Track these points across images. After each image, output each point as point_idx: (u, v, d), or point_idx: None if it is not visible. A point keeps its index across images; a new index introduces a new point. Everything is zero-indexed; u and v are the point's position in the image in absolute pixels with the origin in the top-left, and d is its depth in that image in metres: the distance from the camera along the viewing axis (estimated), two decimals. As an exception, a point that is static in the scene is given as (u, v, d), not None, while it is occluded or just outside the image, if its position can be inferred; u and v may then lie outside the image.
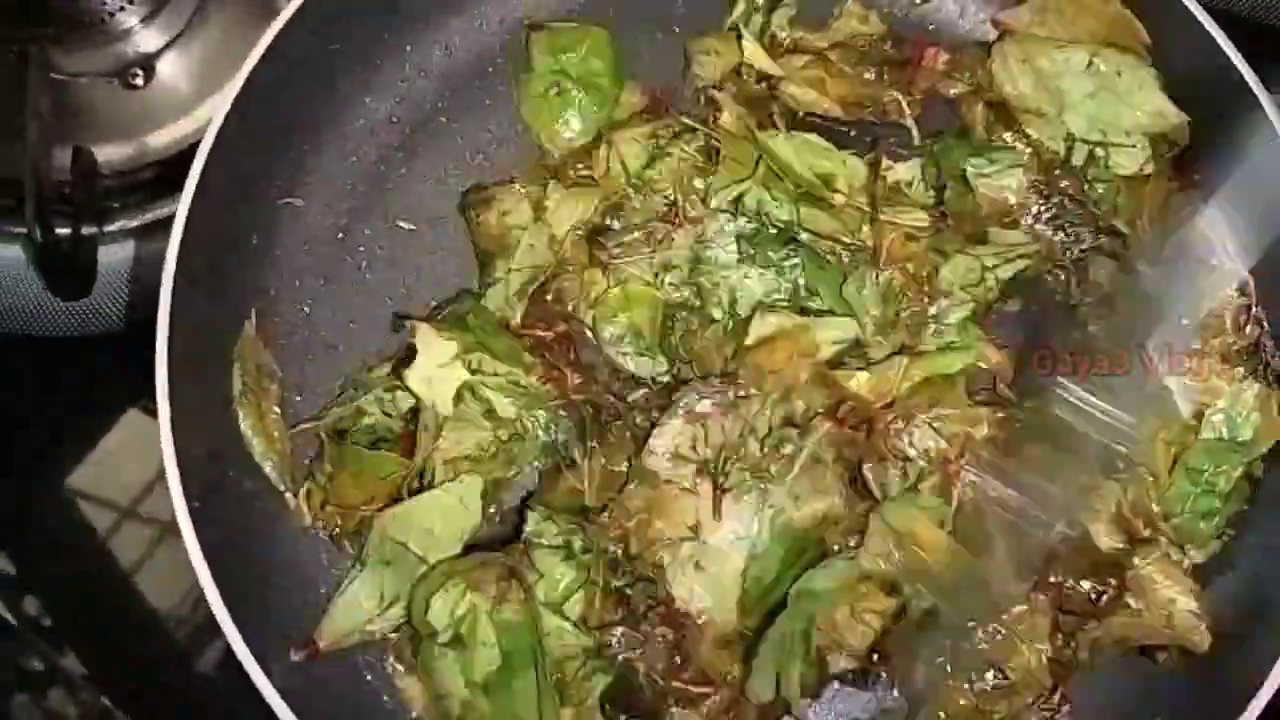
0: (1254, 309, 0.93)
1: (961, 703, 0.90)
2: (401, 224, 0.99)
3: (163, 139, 1.13)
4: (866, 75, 1.00)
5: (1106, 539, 0.89)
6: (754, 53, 0.99)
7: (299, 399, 0.96)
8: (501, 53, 1.02)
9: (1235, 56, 0.90)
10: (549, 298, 0.95)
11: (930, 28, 1.05)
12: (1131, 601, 0.90)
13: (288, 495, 0.92)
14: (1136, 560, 0.90)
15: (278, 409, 0.94)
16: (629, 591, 0.88)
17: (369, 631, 0.88)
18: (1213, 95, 0.93)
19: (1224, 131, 0.93)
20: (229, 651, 0.79)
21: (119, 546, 1.06)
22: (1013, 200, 0.96)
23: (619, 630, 0.87)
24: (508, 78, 1.01)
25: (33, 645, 1.03)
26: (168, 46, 1.13)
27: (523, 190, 0.97)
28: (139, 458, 1.07)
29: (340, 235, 0.99)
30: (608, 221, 0.96)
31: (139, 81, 1.14)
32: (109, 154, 1.12)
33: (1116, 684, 0.91)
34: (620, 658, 0.87)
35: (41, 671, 1.02)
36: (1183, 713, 0.87)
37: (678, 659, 0.87)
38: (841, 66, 1.00)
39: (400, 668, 0.89)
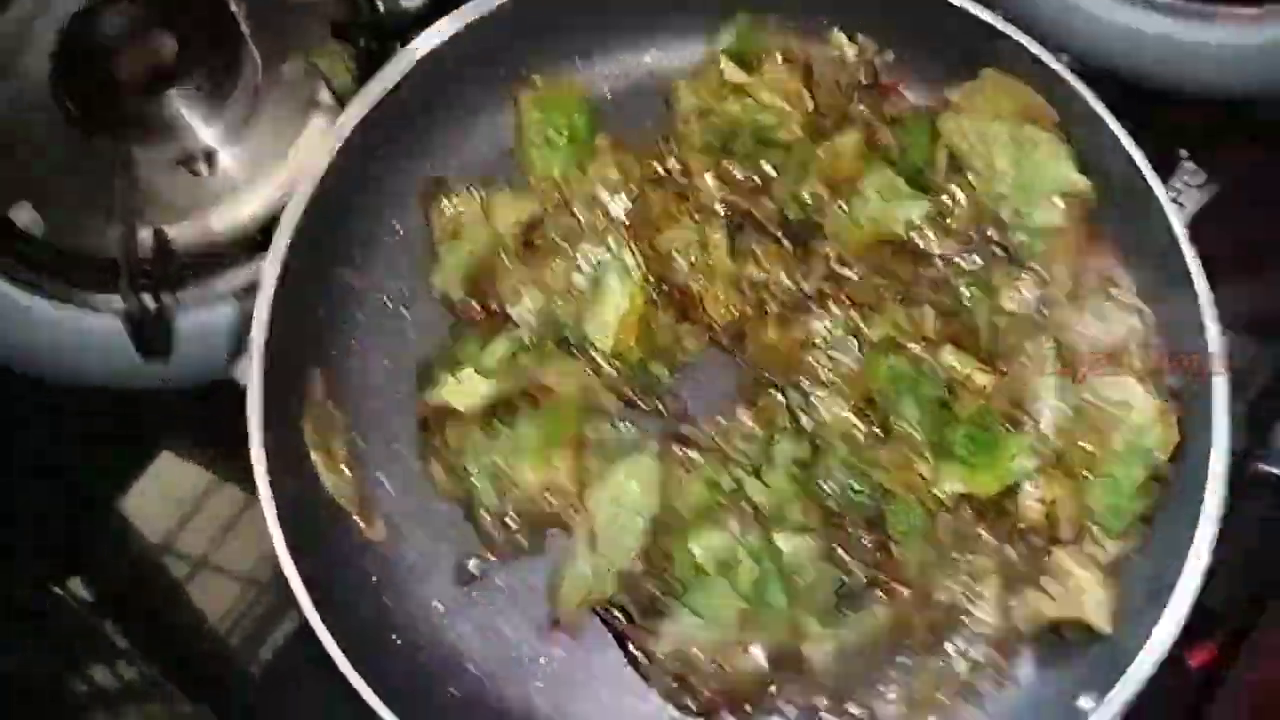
0: (1151, 339, 1.13)
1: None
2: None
3: (225, 219, 1.31)
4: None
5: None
6: (730, 70, 1.18)
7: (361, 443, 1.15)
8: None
9: (1128, 143, 1.09)
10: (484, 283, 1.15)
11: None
12: (1049, 587, 1.10)
13: (356, 518, 1.11)
14: (1058, 552, 1.10)
15: (344, 449, 1.13)
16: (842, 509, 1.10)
17: (595, 599, 1.10)
18: (1112, 169, 1.12)
19: (1122, 193, 1.13)
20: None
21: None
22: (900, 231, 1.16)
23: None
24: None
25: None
26: (226, 140, 1.31)
27: (473, 189, 1.17)
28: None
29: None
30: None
31: (202, 169, 1.32)
32: (180, 232, 1.30)
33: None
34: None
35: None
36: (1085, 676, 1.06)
37: (879, 556, 1.09)
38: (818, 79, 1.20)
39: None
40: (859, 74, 1.22)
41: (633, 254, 1.14)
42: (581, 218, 1.17)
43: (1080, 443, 1.12)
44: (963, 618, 1.11)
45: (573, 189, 1.18)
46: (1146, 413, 1.10)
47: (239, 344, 1.05)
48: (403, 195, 1.19)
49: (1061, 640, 1.10)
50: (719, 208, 1.17)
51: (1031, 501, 1.10)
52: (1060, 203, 1.16)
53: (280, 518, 1.00)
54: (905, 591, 1.09)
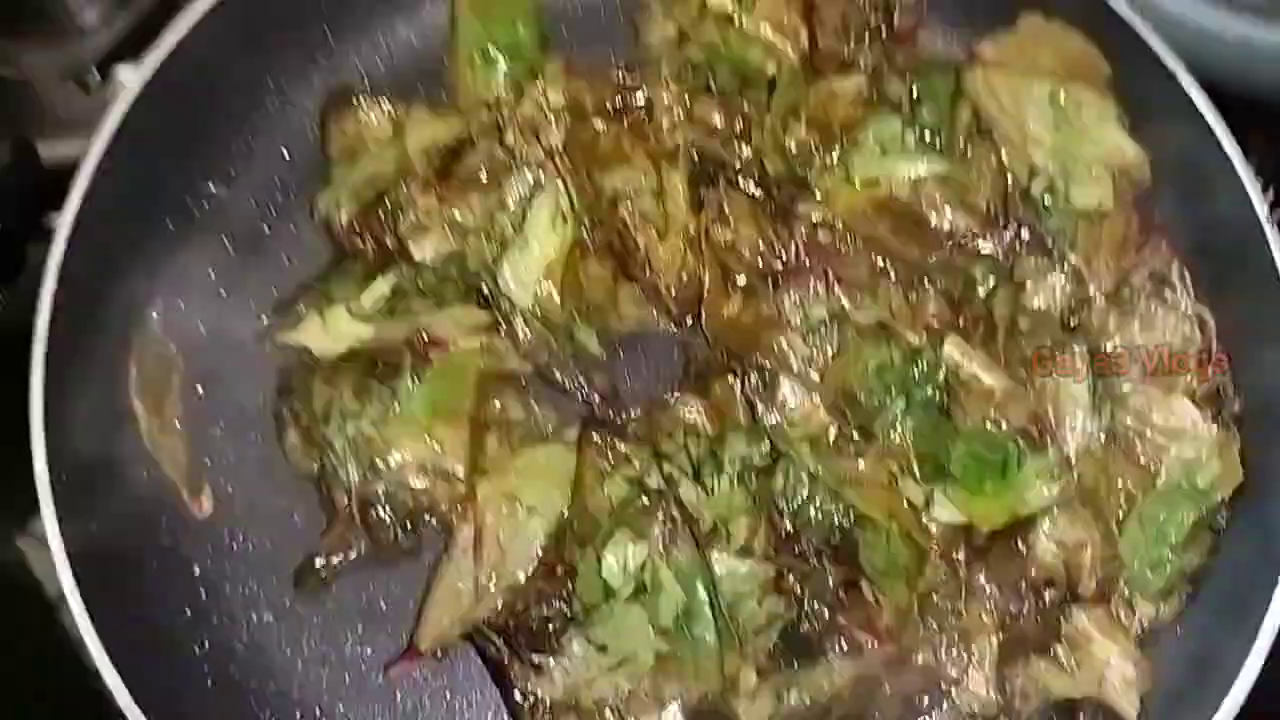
0: (1214, 351, 0.88)
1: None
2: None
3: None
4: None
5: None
6: None
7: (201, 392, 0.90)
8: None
9: (1208, 110, 0.87)
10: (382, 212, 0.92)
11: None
12: (1063, 656, 0.84)
13: (184, 491, 0.87)
14: (1077, 613, 0.84)
15: (178, 402, 0.89)
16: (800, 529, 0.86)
17: (470, 620, 0.84)
18: (1180, 142, 0.89)
19: (1189, 177, 0.90)
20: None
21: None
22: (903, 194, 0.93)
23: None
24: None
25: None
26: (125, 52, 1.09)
27: (387, 105, 0.95)
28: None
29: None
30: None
31: (93, 82, 1.10)
32: (54, 151, 1.08)
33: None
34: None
35: None
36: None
37: (844, 596, 0.84)
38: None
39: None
40: (870, 12, 0.99)
41: (569, 192, 0.90)
42: (515, 148, 0.93)
43: (1115, 476, 0.87)
44: (948, 687, 0.84)
45: (507, 114, 0.95)
46: (1202, 443, 0.86)
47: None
48: (294, 103, 0.96)
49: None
50: (684, 151, 0.94)
51: (1048, 543, 0.85)
52: (1107, 179, 0.93)
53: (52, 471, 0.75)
54: (875, 645, 0.83)
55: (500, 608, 0.86)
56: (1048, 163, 0.94)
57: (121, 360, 0.87)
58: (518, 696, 0.85)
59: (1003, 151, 0.95)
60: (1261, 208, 0.85)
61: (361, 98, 0.96)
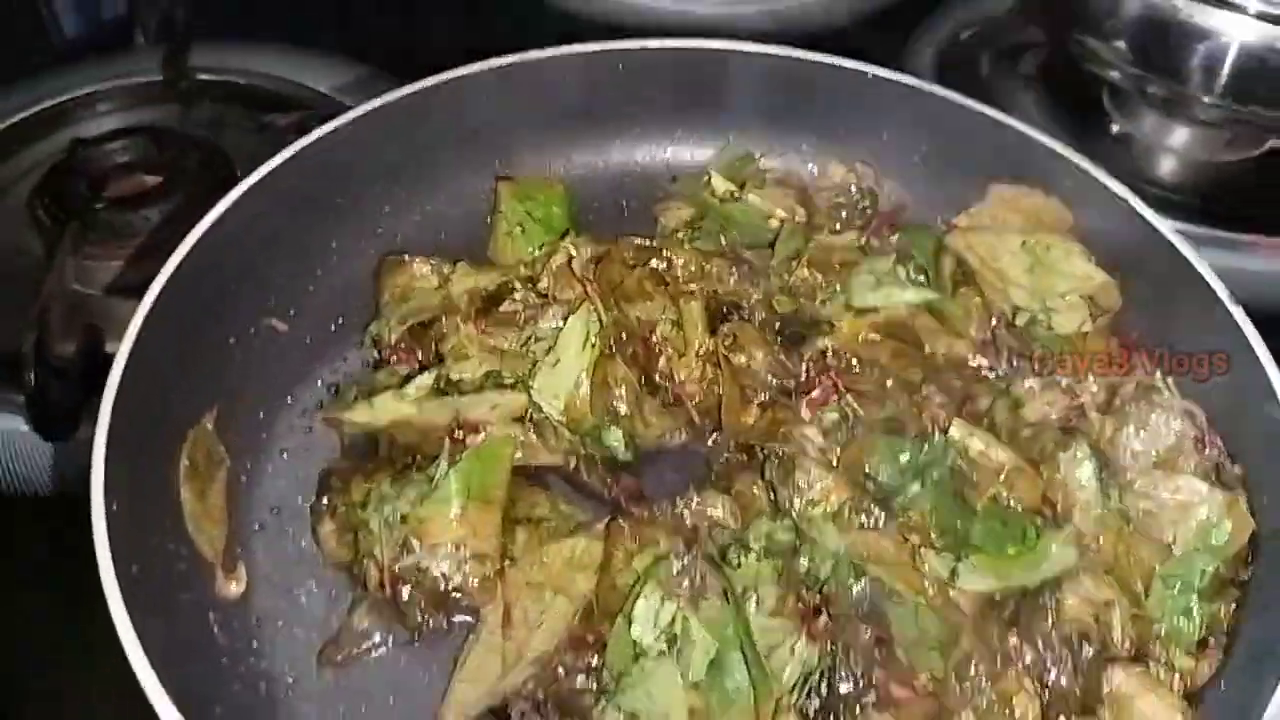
0: (1207, 435, 0.94)
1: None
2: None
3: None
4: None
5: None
6: (720, 182, 1.11)
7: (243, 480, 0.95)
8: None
9: (1158, 221, 0.99)
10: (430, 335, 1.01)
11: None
12: (1108, 717, 0.82)
13: (219, 572, 0.88)
14: (1116, 672, 0.83)
15: (222, 492, 0.92)
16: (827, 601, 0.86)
17: (497, 693, 0.83)
18: (1142, 262, 1.01)
19: (1154, 290, 1.00)
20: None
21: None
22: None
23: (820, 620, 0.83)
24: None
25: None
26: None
27: (433, 263, 1.05)
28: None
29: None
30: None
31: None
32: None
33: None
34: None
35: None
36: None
37: (878, 654, 0.82)
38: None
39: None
40: (859, 197, 1.15)
41: (598, 315, 1.00)
42: (549, 290, 1.04)
43: (1133, 549, 0.89)
44: (993, 752, 0.81)
45: (541, 266, 1.06)
46: (1214, 508, 0.89)
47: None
48: (352, 262, 1.08)
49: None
50: (700, 292, 1.05)
51: (1076, 601, 0.85)
52: (1082, 305, 1.03)
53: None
54: (913, 698, 0.81)
55: (527, 683, 0.85)
56: (1028, 301, 1.05)
57: (174, 453, 0.91)
58: (545, 765, 0.81)
59: (985, 293, 1.06)
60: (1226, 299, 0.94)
61: (411, 257, 1.08)
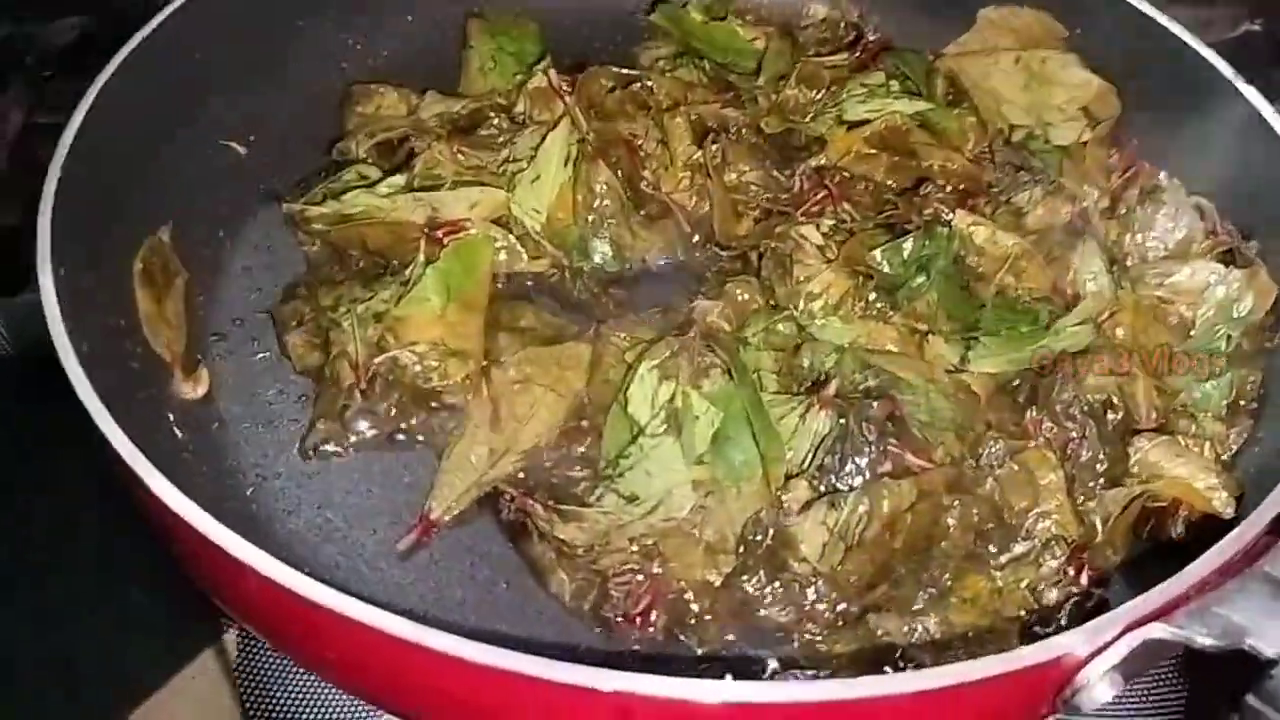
0: (1218, 225, 0.90)
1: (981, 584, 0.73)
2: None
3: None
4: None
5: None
6: (698, 9, 1.07)
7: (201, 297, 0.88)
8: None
9: (1158, 15, 0.95)
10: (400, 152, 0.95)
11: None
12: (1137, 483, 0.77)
13: (176, 372, 0.81)
14: (1143, 443, 0.78)
15: (179, 301, 0.86)
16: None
17: (485, 484, 0.78)
18: (1142, 61, 0.97)
19: (1157, 95, 0.97)
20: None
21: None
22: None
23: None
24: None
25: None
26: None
27: (402, 91, 1.00)
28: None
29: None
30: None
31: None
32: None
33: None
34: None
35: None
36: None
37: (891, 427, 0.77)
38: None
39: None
40: (844, 36, 1.10)
41: (579, 128, 0.94)
42: (526, 113, 0.99)
43: (1151, 331, 0.85)
44: (1021, 519, 0.76)
45: (515, 96, 1.01)
46: (1233, 283, 0.85)
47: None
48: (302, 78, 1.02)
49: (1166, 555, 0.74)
50: (685, 109, 1.00)
51: (1095, 374, 0.80)
52: (1081, 116, 0.99)
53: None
54: (932, 468, 0.76)
55: (517, 473, 0.79)
56: (1023, 117, 1.01)
57: (127, 257, 0.84)
58: (536, 547, 0.75)
59: (980, 112, 1.02)
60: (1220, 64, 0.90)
61: (378, 85, 1.02)
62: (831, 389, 0.77)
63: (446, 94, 1.02)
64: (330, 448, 0.81)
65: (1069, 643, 0.57)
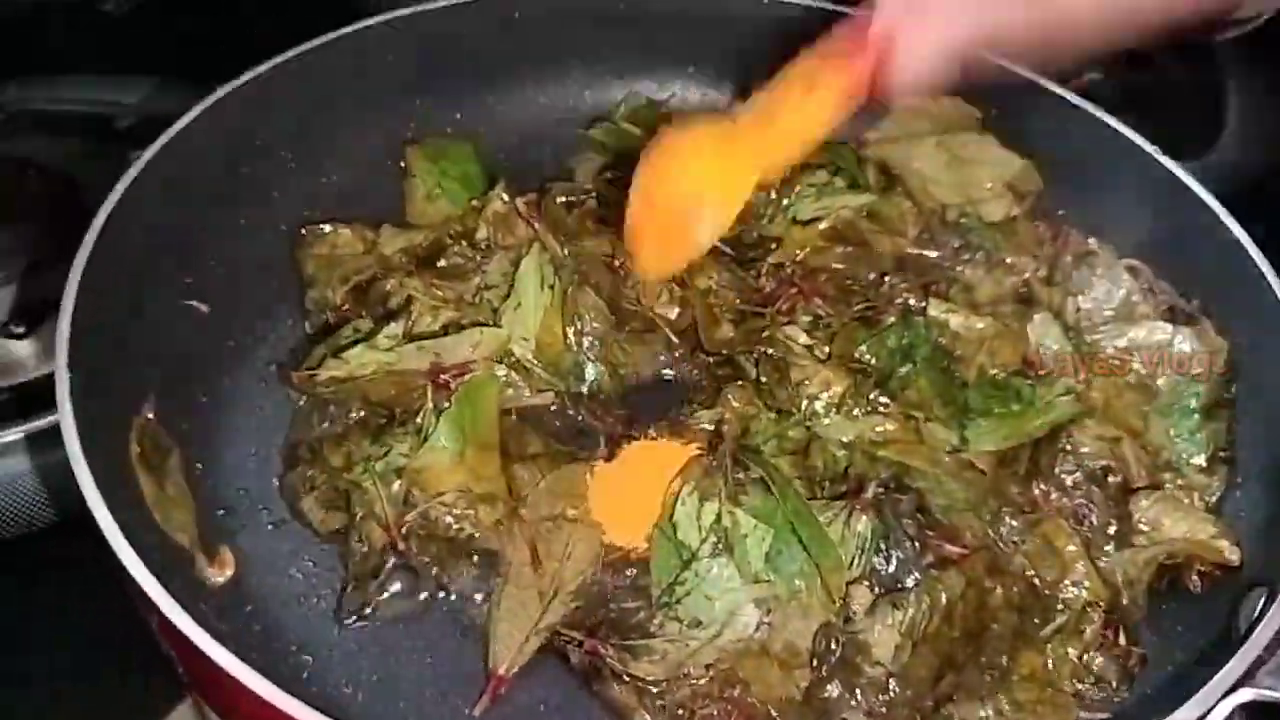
0: (1153, 283, 0.98)
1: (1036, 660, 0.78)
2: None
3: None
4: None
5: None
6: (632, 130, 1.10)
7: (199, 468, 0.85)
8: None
9: (1066, 93, 1.04)
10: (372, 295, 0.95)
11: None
12: (1144, 541, 0.84)
13: (199, 557, 0.78)
14: (1141, 500, 0.85)
15: (180, 478, 0.82)
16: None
17: (543, 630, 0.77)
18: (1058, 137, 1.05)
19: (1074, 166, 1.05)
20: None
21: None
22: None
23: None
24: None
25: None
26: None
27: (355, 229, 1.00)
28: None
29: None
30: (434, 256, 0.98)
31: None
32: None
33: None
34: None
35: None
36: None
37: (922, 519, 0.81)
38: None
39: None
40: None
41: (552, 254, 0.95)
42: (490, 238, 0.99)
43: (1122, 392, 0.92)
44: (1052, 591, 0.81)
45: (472, 223, 1.01)
46: (1184, 340, 0.93)
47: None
48: (249, 229, 1.00)
49: (1182, 605, 0.81)
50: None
51: (1089, 439, 0.87)
52: (1006, 192, 1.07)
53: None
54: (972, 554, 0.80)
55: (572, 613, 0.79)
56: (951, 196, 1.08)
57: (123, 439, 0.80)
58: (615, 690, 0.75)
59: (912, 194, 1.08)
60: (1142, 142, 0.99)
61: (332, 225, 1.01)
62: (870, 491, 0.80)
63: (402, 226, 1.02)
64: (367, 613, 0.79)
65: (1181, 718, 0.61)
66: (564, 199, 1.04)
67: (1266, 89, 1.51)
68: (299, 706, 0.59)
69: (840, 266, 1.02)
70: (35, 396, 1.02)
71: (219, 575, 0.78)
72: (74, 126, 1.35)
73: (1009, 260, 1.02)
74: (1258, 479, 0.86)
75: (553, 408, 0.92)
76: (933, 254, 1.03)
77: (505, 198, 1.00)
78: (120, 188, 0.87)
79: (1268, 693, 0.62)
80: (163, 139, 0.92)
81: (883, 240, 1.04)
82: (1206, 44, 1.45)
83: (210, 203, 0.96)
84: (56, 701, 0.92)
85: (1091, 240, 1.04)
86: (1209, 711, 0.62)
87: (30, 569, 0.98)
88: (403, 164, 1.08)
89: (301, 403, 0.89)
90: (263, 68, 0.99)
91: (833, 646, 0.76)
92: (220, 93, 0.96)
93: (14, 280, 1.12)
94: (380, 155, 1.08)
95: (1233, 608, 0.75)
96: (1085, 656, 0.78)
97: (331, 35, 1.02)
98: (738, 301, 0.99)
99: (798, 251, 1.02)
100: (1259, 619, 0.68)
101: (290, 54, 1.00)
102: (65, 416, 0.71)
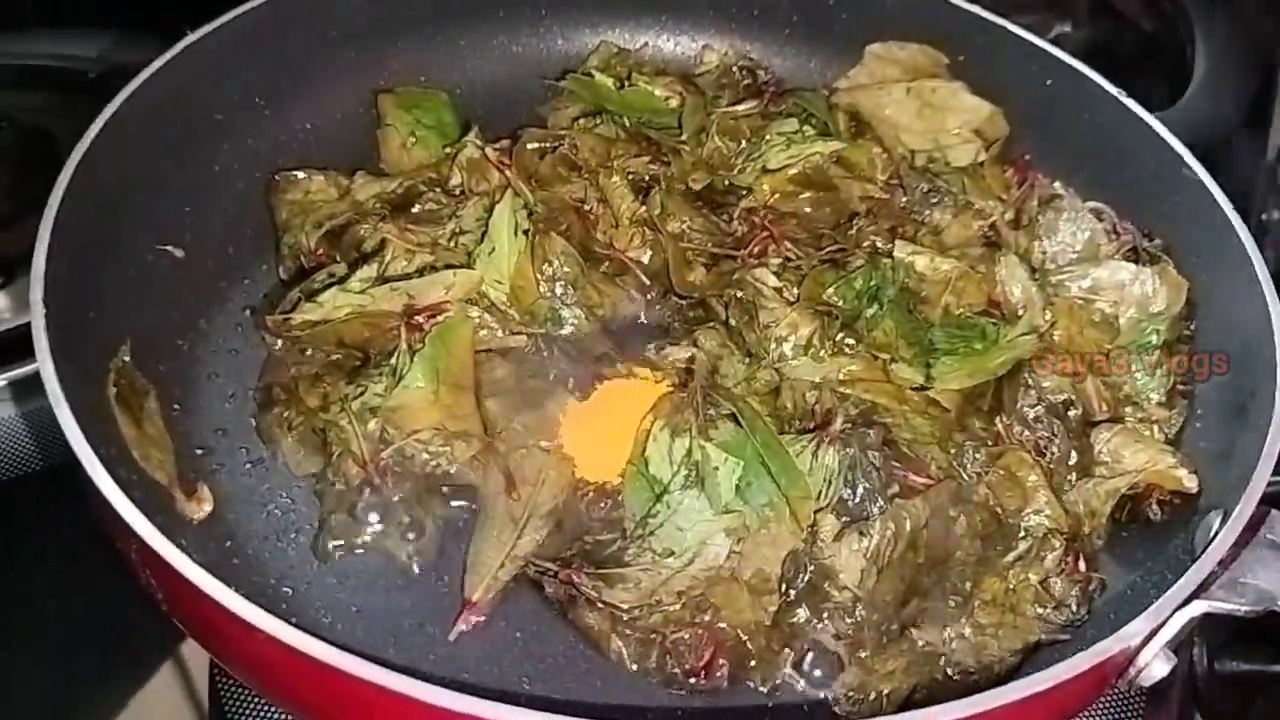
0: (1118, 224, 1.00)
1: (997, 585, 0.80)
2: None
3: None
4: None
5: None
6: (603, 80, 1.10)
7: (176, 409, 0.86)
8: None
9: (1032, 37, 1.05)
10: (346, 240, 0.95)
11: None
12: (1104, 471, 0.86)
13: (178, 495, 0.79)
14: (1103, 433, 0.87)
15: (158, 418, 0.83)
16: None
17: (519, 558, 0.79)
18: (1024, 82, 1.07)
19: (1041, 111, 1.06)
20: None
21: None
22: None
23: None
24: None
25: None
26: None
27: (328, 175, 1.01)
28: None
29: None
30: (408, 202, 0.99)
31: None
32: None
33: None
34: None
35: None
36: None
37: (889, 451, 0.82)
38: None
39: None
40: (740, 79, 1.16)
41: (524, 199, 0.96)
42: (463, 185, 1.00)
43: (1085, 330, 0.94)
44: (1015, 519, 0.83)
45: (446, 170, 1.02)
46: (1145, 280, 0.95)
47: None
48: (223, 175, 1.00)
49: (1142, 532, 0.83)
50: (619, 166, 1.03)
51: (1049, 376, 0.89)
52: (974, 138, 1.08)
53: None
54: (936, 484, 0.82)
55: (546, 540, 0.80)
56: (920, 142, 1.10)
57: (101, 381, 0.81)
58: (589, 618, 0.77)
59: (882, 141, 1.10)
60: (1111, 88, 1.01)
61: (305, 172, 1.01)
62: (837, 424, 0.82)
63: (375, 174, 1.02)
64: (345, 546, 0.81)
65: (1135, 630, 0.63)
66: (536, 145, 1.05)
67: (1230, 37, 1.53)
68: (279, 625, 0.60)
69: (810, 211, 1.03)
70: (13, 348, 1.03)
71: (198, 512, 0.79)
72: (46, 80, 1.35)
73: (976, 205, 1.04)
74: (1214, 412, 0.87)
75: (527, 350, 0.92)
76: (901, 199, 1.04)
77: (479, 144, 1.01)
78: (90, 135, 0.87)
79: (1220, 604, 0.64)
80: (131, 85, 0.91)
81: (851, 185, 1.05)
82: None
83: (182, 150, 0.96)
84: (41, 650, 0.93)
85: (1057, 184, 1.05)
86: (1164, 623, 0.64)
87: (14, 516, 0.98)
88: (375, 111, 1.08)
89: (277, 346, 0.89)
90: (233, 13, 0.99)
91: (801, 573, 0.77)
92: (190, 39, 0.96)
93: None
94: (354, 104, 1.08)
95: (1189, 534, 0.77)
96: (1046, 582, 0.80)
97: (302, -19, 1.02)
98: (709, 245, 1.00)
99: (768, 197, 1.03)
100: (1213, 538, 0.70)
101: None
102: (44, 360, 0.71)
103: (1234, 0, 1.55)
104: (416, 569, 0.80)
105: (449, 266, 0.91)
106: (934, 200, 1.04)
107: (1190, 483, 0.82)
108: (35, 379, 0.73)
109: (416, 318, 0.88)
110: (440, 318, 0.88)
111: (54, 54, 1.39)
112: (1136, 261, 0.97)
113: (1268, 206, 1.28)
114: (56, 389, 0.69)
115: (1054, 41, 1.54)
